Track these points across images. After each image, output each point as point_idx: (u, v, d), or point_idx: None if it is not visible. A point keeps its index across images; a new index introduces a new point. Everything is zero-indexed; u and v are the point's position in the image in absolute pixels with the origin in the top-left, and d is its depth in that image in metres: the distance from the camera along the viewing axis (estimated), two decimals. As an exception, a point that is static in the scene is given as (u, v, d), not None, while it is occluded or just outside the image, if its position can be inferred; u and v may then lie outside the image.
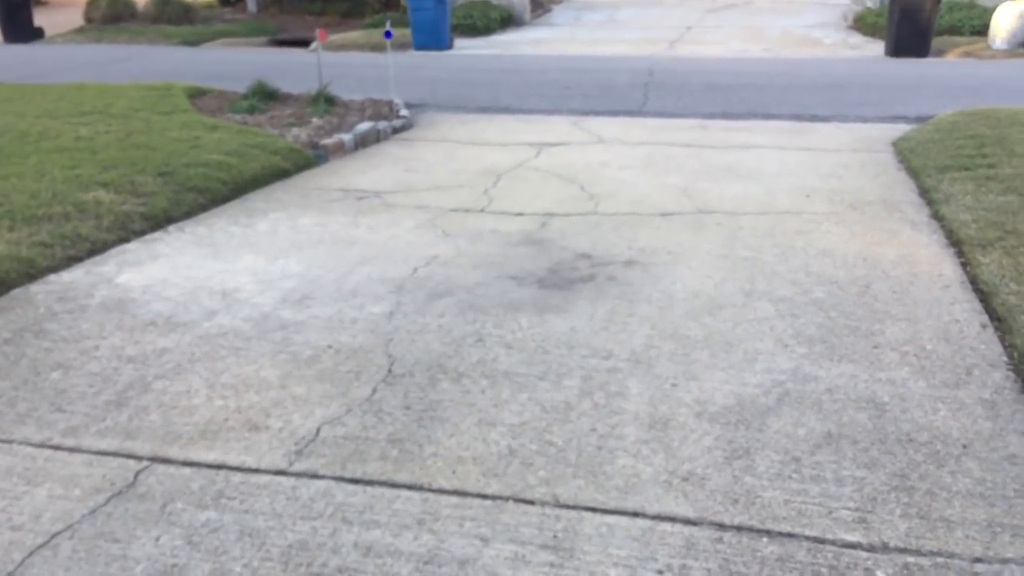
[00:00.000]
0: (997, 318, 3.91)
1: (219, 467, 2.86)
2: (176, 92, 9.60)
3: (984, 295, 4.16)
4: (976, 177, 5.97)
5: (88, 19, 20.25)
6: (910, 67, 12.85)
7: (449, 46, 16.20)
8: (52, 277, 4.59)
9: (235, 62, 14.18)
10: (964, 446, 2.93)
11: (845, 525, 2.54)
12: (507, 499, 2.68)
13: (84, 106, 8.72)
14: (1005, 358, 3.56)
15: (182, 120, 8.11)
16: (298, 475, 2.82)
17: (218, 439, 3.03)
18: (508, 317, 4.02)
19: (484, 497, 2.70)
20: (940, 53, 14.26)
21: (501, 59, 14.65)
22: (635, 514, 2.61)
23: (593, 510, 2.63)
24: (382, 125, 8.38)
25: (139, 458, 2.93)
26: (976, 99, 9.13)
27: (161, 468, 2.87)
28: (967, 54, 14.22)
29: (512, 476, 2.80)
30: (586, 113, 9.52)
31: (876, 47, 15.06)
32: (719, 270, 4.58)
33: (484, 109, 9.87)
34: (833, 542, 2.47)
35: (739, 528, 2.54)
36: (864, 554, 2.41)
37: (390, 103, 9.32)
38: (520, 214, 5.66)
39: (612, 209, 5.76)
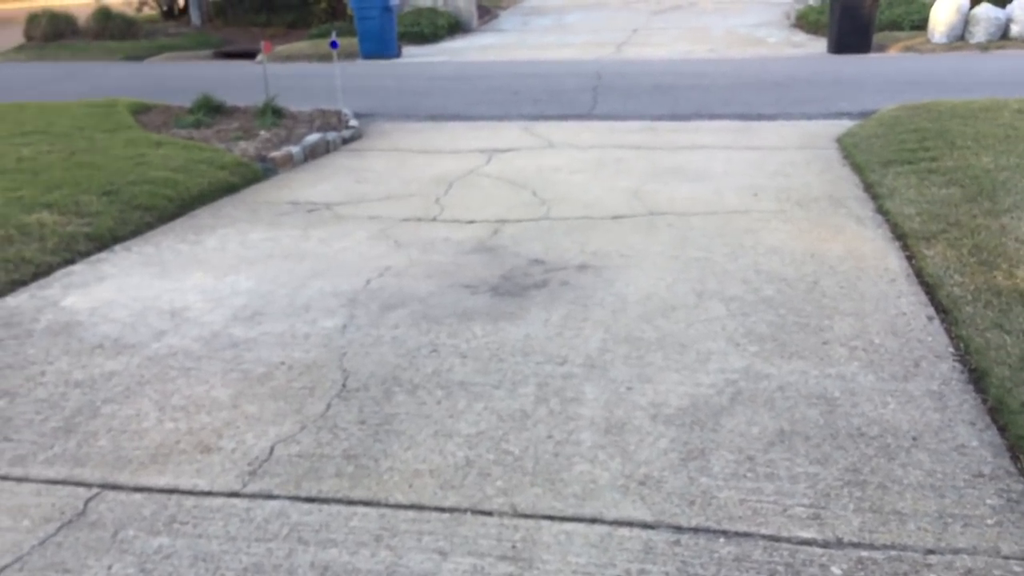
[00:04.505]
0: (943, 310, 3.98)
1: (171, 491, 2.82)
2: (120, 109, 9.46)
3: (929, 287, 4.24)
4: (919, 171, 6.08)
5: (28, 37, 19.89)
6: (852, 63, 13.06)
7: (397, 54, 16.16)
8: (-5, 302, 4.49)
9: (180, 76, 14.02)
10: (914, 438, 2.97)
11: (800, 522, 2.56)
12: (465, 511, 2.67)
13: (26, 126, 8.55)
14: (951, 349, 3.62)
15: (126, 137, 7.99)
16: (252, 496, 2.78)
17: (169, 463, 2.98)
18: (462, 326, 4.01)
19: (442, 510, 2.68)
20: (881, 48, 14.51)
21: (449, 66, 14.64)
22: (593, 520, 2.61)
23: (551, 518, 2.63)
24: (331, 136, 8.32)
25: (89, 485, 2.88)
26: (917, 93, 9.31)
27: (112, 495, 2.82)
28: (908, 49, 14.49)
29: (469, 487, 2.79)
30: (536, 118, 9.54)
31: (819, 44, 15.28)
32: (671, 271, 4.61)
33: (434, 117, 9.86)
34: (788, 540, 2.49)
35: (696, 530, 2.55)
36: (819, 550, 2.44)
37: (339, 113, 9.26)
38: (472, 222, 5.65)
39: (564, 213, 5.78)
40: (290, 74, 13.16)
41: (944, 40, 14.51)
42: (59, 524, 2.68)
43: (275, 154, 7.54)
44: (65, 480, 2.91)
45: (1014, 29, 14.38)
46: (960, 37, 14.55)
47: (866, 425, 3.06)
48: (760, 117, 9.16)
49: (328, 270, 4.82)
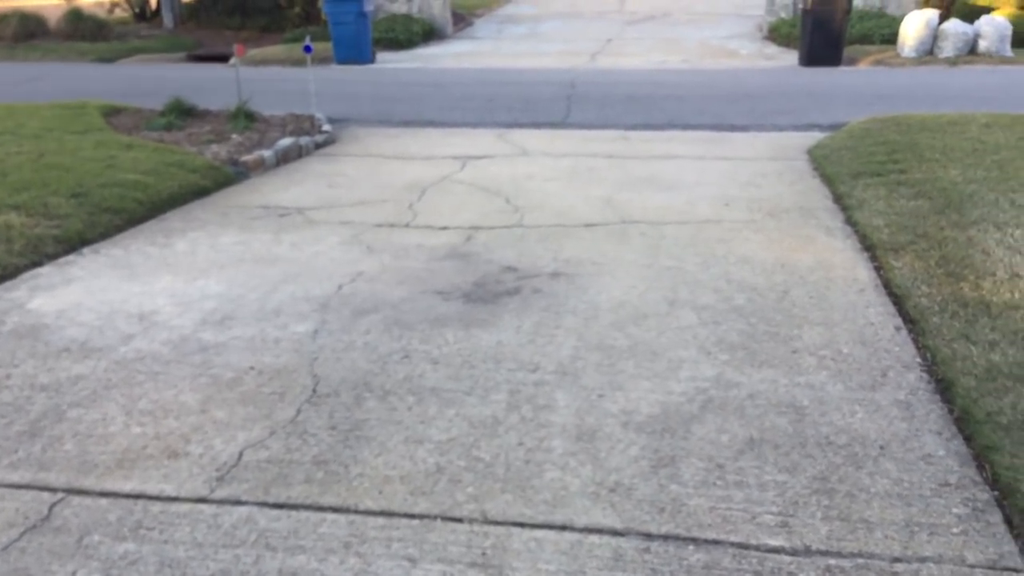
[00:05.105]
0: (910, 320, 4.02)
1: (137, 497, 2.79)
2: (90, 111, 9.37)
3: (897, 298, 4.28)
4: (888, 183, 6.14)
5: (-2, 36, 19.66)
6: (823, 76, 13.20)
7: (371, 60, 16.13)
8: (-41, 304, 4.42)
9: (152, 79, 13.90)
10: (881, 447, 3.00)
11: (768, 530, 2.58)
12: (435, 518, 2.66)
13: (-7, 126, 8.45)
14: (919, 359, 3.66)
15: (97, 139, 7.91)
16: (219, 502, 2.75)
17: (136, 468, 2.94)
18: (434, 332, 4.00)
19: (412, 517, 2.67)
20: (852, 62, 14.68)
21: (424, 72, 14.63)
22: (563, 527, 2.61)
23: (521, 525, 2.62)
24: (304, 140, 8.28)
25: (54, 490, 2.84)
26: (887, 106, 9.42)
27: (77, 500, 2.78)
28: (878, 62, 14.66)
29: (440, 494, 2.78)
30: (510, 126, 9.55)
31: (790, 57, 15.43)
32: (643, 280, 4.63)
33: (408, 123, 9.84)
34: (757, 547, 2.50)
35: (666, 537, 2.56)
36: (787, 558, 2.45)
37: (312, 118, 9.22)
38: (445, 228, 5.65)
39: (537, 221, 5.78)
40: (263, 78, 13.10)
41: (913, 54, 14.70)
42: (23, 529, 2.64)
43: (247, 158, 7.49)
44: (30, 484, 2.87)
45: (982, 44, 14.60)
46: (929, 52, 14.75)
47: (834, 434, 3.09)
48: (732, 128, 9.22)
49: (300, 275, 4.79)
